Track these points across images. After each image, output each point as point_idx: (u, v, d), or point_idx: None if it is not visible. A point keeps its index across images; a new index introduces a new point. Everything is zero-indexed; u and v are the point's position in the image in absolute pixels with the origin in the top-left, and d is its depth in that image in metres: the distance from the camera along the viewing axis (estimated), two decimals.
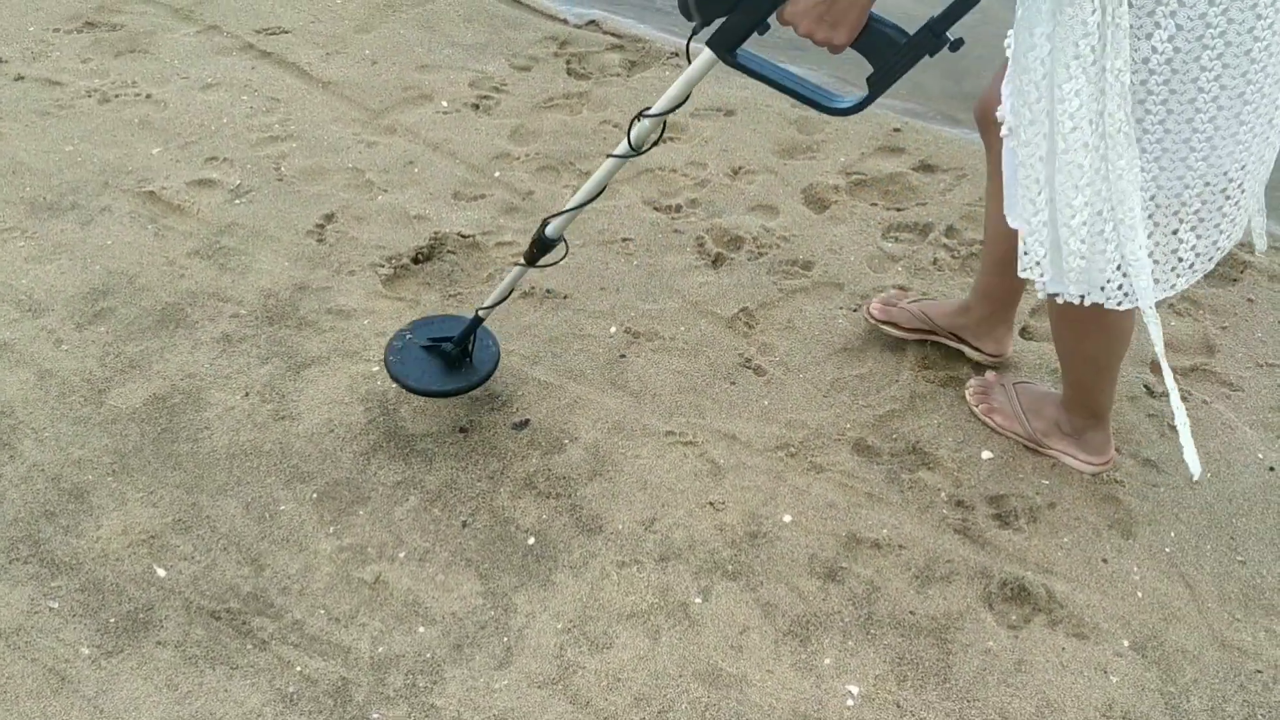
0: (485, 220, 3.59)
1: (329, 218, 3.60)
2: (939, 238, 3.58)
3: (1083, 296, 2.12)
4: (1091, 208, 1.94)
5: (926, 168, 3.86)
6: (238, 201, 3.66)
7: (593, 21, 4.68)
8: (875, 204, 3.73)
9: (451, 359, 2.79)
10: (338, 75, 4.26)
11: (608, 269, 3.43)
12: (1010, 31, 2.07)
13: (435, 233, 3.51)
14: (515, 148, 3.91)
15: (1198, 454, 2.20)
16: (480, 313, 2.77)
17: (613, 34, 4.58)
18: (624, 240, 3.54)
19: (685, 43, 2.16)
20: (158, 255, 3.45)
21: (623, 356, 3.14)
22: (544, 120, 4.04)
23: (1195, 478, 2.36)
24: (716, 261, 3.48)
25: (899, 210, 3.70)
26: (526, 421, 2.94)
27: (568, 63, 4.38)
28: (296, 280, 3.36)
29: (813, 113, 3.98)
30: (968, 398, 2.95)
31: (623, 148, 2.28)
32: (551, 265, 2.59)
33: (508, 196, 3.69)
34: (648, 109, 2.22)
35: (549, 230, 2.44)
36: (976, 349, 3.00)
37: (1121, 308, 2.11)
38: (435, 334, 2.90)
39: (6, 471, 2.78)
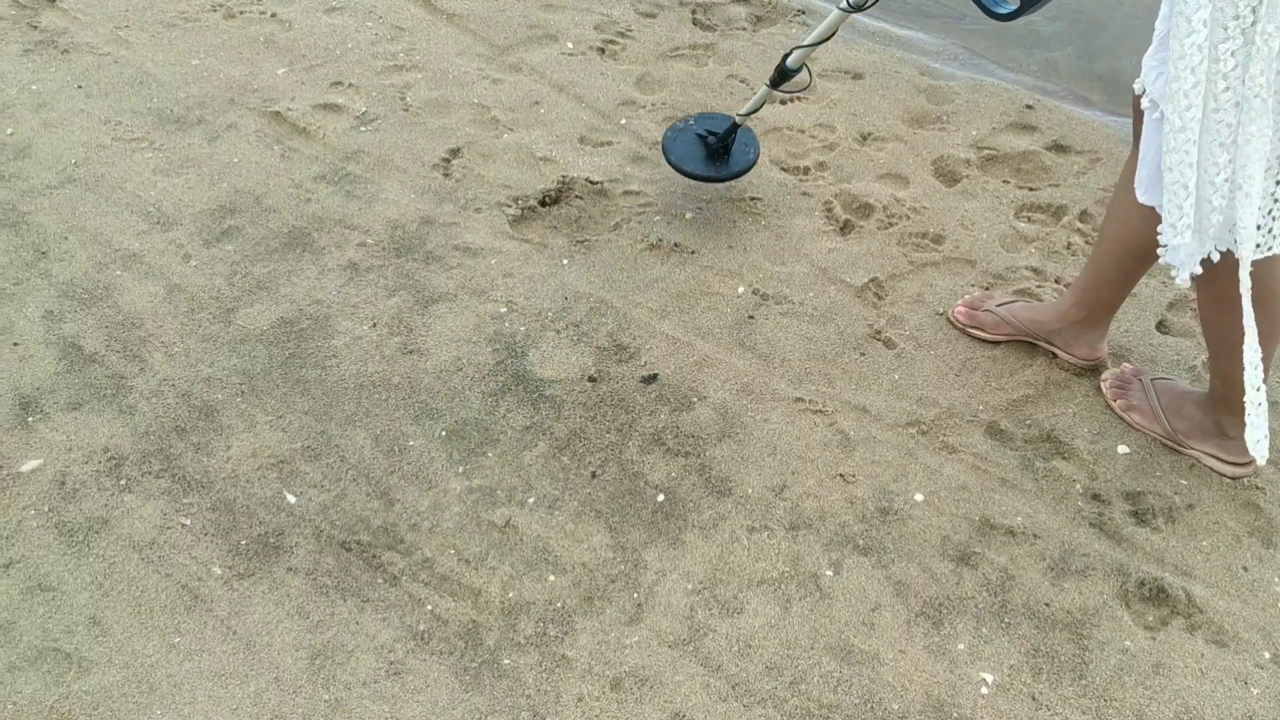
0: (612, 168, 3.53)
1: (455, 152, 3.56)
2: (1073, 221, 3.49)
3: (1225, 252, 2.10)
4: (1231, 167, 1.94)
5: (1059, 148, 3.76)
6: (363, 129, 3.62)
7: None
8: (1007, 181, 3.64)
9: (713, 150, 3.20)
10: (462, 8, 4.20)
11: (735, 227, 3.38)
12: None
13: (563, 177, 3.46)
14: (641, 95, 3.84)
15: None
16: (736, 118, 3.14)
17: None
18: (752, 199, 3.48)
19: None
20: (284, 177, 3.42)
21: (751, 318, 3.09)
22: (669, 70, 3.96)
23: (1260, 462, 2.30)
24: (845, 228, 3.41)
25: (1032, 190, 3.61)
26: (655, 376, 2.91)
27: (693, 12, 4.29)
28: (423, 213, 3.32)
29: (942, 82, 3.92)
30: (1104, 391, 2.89)
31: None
32: (794, 93, 3.13)
33: (634, 145, 3.63)
34: None
35: (790, 61, 2.84)
36: (1069, 353, 2.93)
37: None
38: (710, 128, 3.22)
39: (138, 384, 2.78)
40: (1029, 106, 3.94)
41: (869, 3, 2.59)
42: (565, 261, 3.21)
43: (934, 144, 3.75)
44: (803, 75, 2.91)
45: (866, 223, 3.43)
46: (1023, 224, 3.48)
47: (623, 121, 3.72)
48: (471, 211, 3.34)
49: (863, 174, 3.60)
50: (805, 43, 2.75)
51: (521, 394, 2.81)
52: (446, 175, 3.46)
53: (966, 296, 3.14)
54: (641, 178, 3.51)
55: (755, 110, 3.07)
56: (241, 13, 4.09)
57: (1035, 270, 3.30)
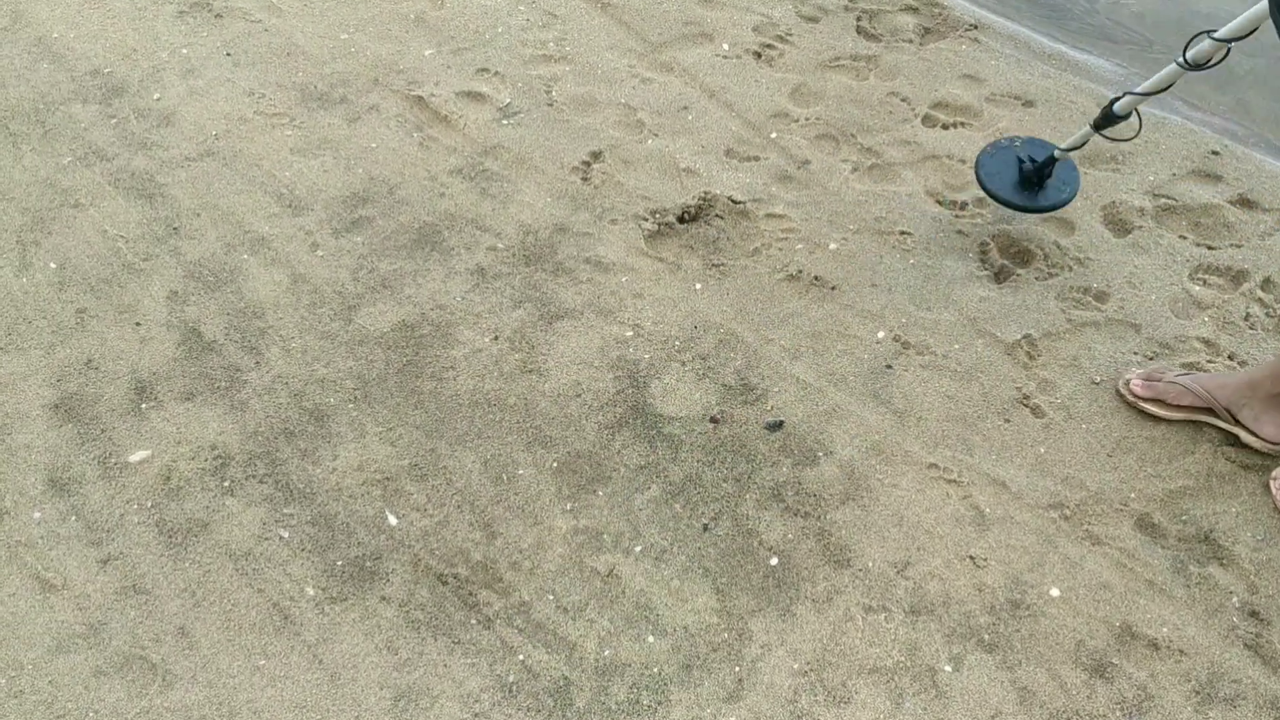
0: (757, 186, 3.35)
1: (596, 155, 3.42)
2: (1254, 289, 3.18)
3: None
4: None
5: (1246, 203, 3.43)
6: (505, 122, 3.51)
7: None
8: (1184, 236, 3.34)
9: (1026, 176, 3.07)
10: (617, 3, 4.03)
11: (881, 263, 3.17)
12: None
13: (705, 193, 3.29)
14: (795, 108, 3.63)
15: None
16: (1056, 153, 2.99)
17: None
18: (902, 233, 3.26)
19: None
20: (420, 168, 3.33)
21: (889, 367, 2.89)
22: (827, 81, 3.74)
23: None
24: (1001, 275, 3.17)
25: (1210, 249, 3.31)
26: (781, 423, 2.74)
27: (858, 19, 4.04)
28: (557, 220, 3.19)
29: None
30: (1273, 491, 2.62)
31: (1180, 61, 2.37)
32: (1119, 140, 2.86)
33: (782, 163, 3.44)
34: (1212, 30, 2.41)
35: (1118, 106, 2.65)
36: (1255, 434, 2.65)
37: None
38: (1034, 155, 3.07)
39: (252, 379, 2.72)
40: (1215, 152, 3.62)
41: (1211, 62, 2.50)
42: (698, 286, 3.05)
43: (1106, 186, 3.46)
44: (1132, 121, 2.76)
45: (1025, 270, 3.18)
46: (1197, 287, 3.19)
47: (773, 135, 3.53)
48: (607, 222, 3.20)
49: (1024, 215, 3.34)
50: (1138, 90, 2.61)
51: (639, 428, 2.68)
52: (585, 180, 3.32)
53: (1142, 370, 2.89)
54: (787, 199, 3.32)
55: (1076, 148, 2.94)
56: None
57: (1207, 343, 3.02)
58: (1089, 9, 4.19)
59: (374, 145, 3.37)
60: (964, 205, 3.37)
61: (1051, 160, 3.03)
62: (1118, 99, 2.63)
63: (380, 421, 2.64)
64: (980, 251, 3.24)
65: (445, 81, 3.61)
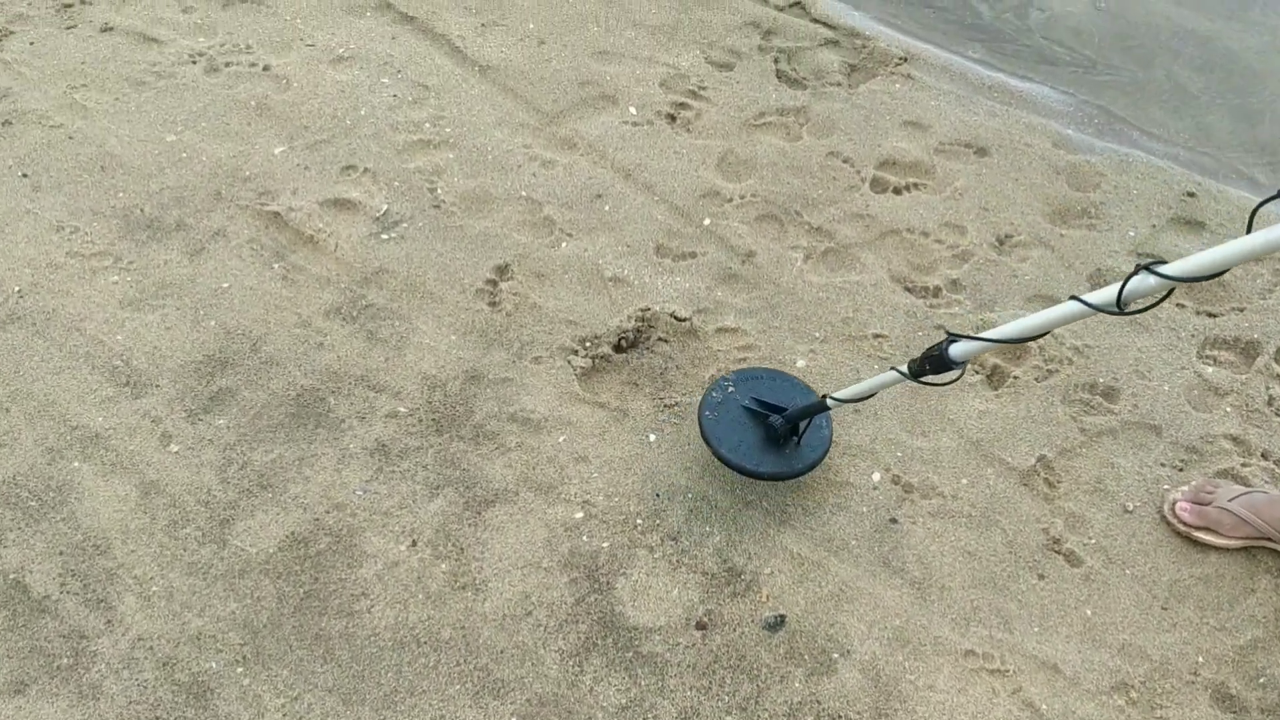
0: (700, 292, 2.79)
1: (502, 270, 2.81)
2: (1270, 364, 2.78)
3: None
4: None
5: None
6: (385, 236, 2.86)
7: (797, 3, 3.77)
8: (1182, 305, 2.92)
9: (775, 433, 2.32)
10: (499, 57, 3.40)
11: (860, 380, 2.64)
12: None
13: (642, 310, 2.72)
14: (726, 183, 3.08)
15: None
16: (829, 401, 2.17)
17: (823, 22, 3.69)
18: (876, 337, 2.75)
19: (1253, 210, 1.40)
20: (287, 310, 2.66)
21: (894, 521, 2.38)
22: (757, 144, 3.19)
23: None
24: (995, 378, 2.69)
25: (1212, 316, 2.90)
26: (782, 618, 2.21)
27: (776, 61, 3.50)
28: (468, 364, 2.58)
29: (1081, 157, 3.22)
30: None
31: (1101, 296, 1.51)
32: (938, 386, 1.94)
33: (723, 257, 2.89)
34: (1157, 263, 1.45)
35: (954, 352, 1.76)
36: None
37: None
38: (762, 395, 2.41)
39: (103, 648, 2.07)
40: (1190, 194, 3.21)
41: (1144, 307, 1.60)
42: (652, 437, 2.49)
43: (1086, 249, 3.02)
44: (956, 370, 1.81)
45: (1020, 370, 2.71)
46: (1209, 367, 2.77)
47: (706, 222, 2.97)
48: (529, 361, 2.59)
49: (1006, 295, 2.87)
50: (983, 336, 1.71)
51: (612, 652, 2.11)
52: (494, 305, 2.71)
53: (1185, 488, 2.47)
54: (737, 306, 2.76)
55: (862, 399, 2.11)
56: (228, 65, 3.28)
57: (1236, 440, 2.60)
58: (1022, 28, 3.73)
59: (226, 285, 2.69)
60: (937, 291, 2.88)
61: (820, 408, 2.24)
62: (953, 340, 1.77)
63: (280, 688, 2.01)
64: None
65: (305, 188, 2.93)
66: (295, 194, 2.94)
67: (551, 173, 3.08)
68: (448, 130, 3.17)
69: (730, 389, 2.46)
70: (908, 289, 2.91)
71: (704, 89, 3.38)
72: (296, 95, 3.21)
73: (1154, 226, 3.13)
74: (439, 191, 2.99)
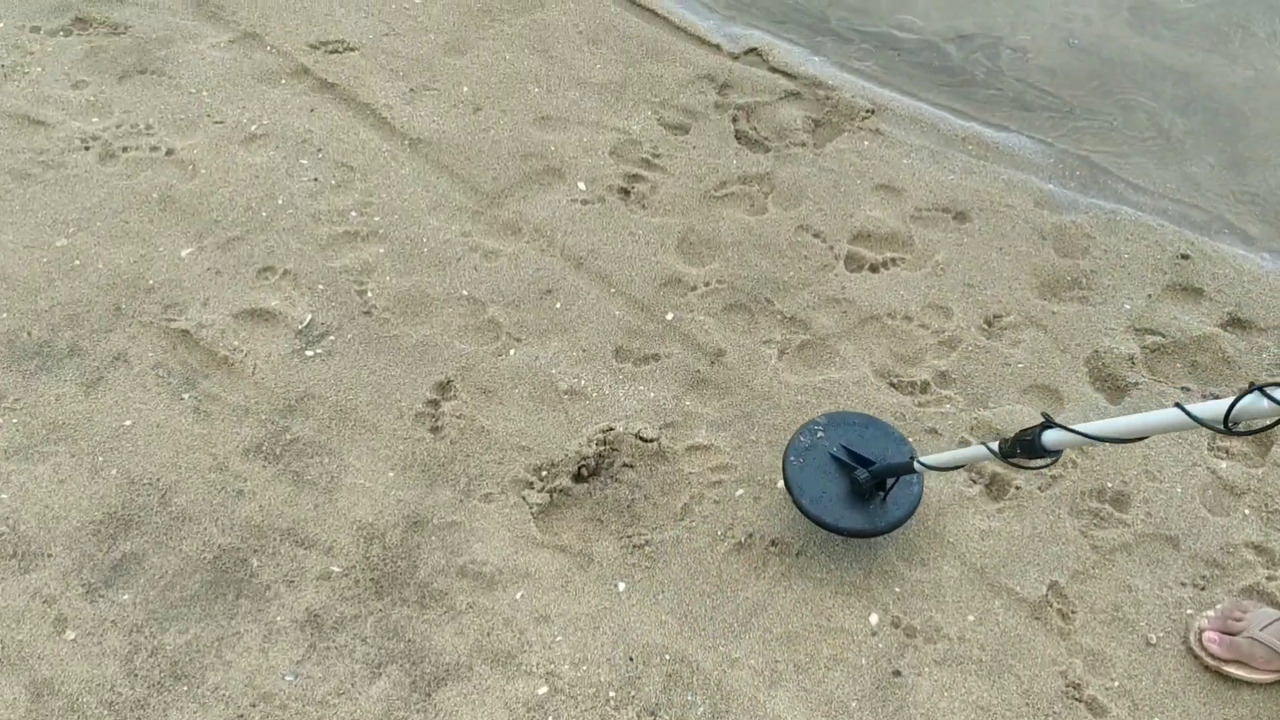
0: (666, 402, 2.50)
1: (445, 388, 2.49)
2: None
3: None
4: None
5: (1237, 323, 2.81)
6: (310, 353, 2.53)
7: (754, 50, 3.48)
8: (1187, 388, 2.67)
9: (861, 487, 2.20)
10: (430, 129, 3.06)
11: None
12: None
13: (604, 431, 2.43)
14: (688, 268, 2.78)
15: None
16: (916, 465, 2.03)
17: (783, 71, 3.39)
18: None
19: None
20: (201, 451, 2.33)
21: (897, 674, 2.12)
22: (719, 220, 2.90)
23: None
24: (995, 489, 2.43)
25: (1217, 397, 2.62)
26: None
27: (734, 120, 3.21)
28: (409, 507, 2.27)
29: (1066, 217, 3.01)
30: None
31: (1208, 411, 1.38)
32: (1024, 469, 1.76)
33: (690, 358, 2.59)
34: (1273, 385, 1.32)
35: (1047, 440, 1.64)
36: None
37: None
38: (853, 443, 2.29)
39: None
40: (1184, 256, 2.97)
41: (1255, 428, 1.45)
42: (621, 586, 2.20)
43: (1081, 327, 2.76)
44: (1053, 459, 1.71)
45: (1022, 477, 2.44)
46: (1223, 462, 2.53)
47: (669, 316, 2.67)
48: (479, 499, 2.29)
49: (1000, 388, 2.61)
50: (1078, 430, 1.59)
51: None
52: (436, 431, 2.40)
53: (1211, 614, 2.23)
54: (709, 418, 2.47)
55: (950, 469, 2.01)
56: (125, 150, 2.91)
57: (1258, 549, 2.37)
58: (993, 70, 3.46)
59: (128, 423, 2.34)
60: (925, 386, 2.61)
61: (908, 469, 2.11)
62: (1048, 426, 1.67)
63: None
64: None
65: (217, 297, 2.59)
66: (206, 305, 2.59)
67: (495, 265, 2.76)
68: (377, 219, 2.83)
69: (820, 434, 2.32)
70: (893, 385, 2.64)
71: (658, 156, 3.07)
72: (205, 183, 2.86)
73: (1150, 296, 2.88)
74: (369, 294, 2.66)
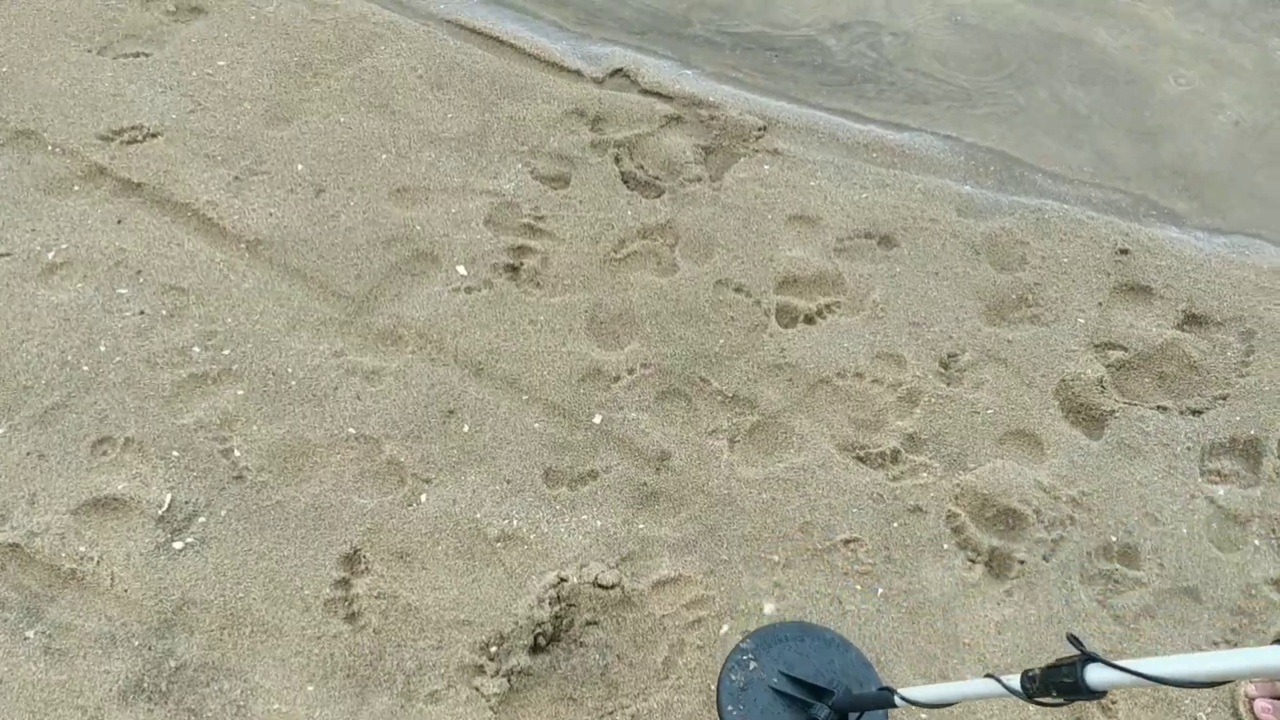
0: (617, 531, 2.13)
1: (352, 561, 2.06)
2: (1277, 464, 2.34)
3: None
4: None
5: (1195, 321, 2.61)
6: (179, 544, 2.05)
7: (620, 71, 3.08)
8: (1163, 406, 2.47)
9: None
10: (268, 224, 2.57)
11: (845, 611, 2.08)
12: None
13: (556, 587, 2.04)
14: (605, 354, 2.40)
15: None
16: (898, 700, 1.63)
17: (656, 92, 3.01)
18: (848, 544, 2.18)
19: None
20: (64, 706, 1.84)
21: None
22: (627, 288, 2.52)
23: None
24: (997, 565, 2.16)
25: (1198, 414, 2.44)
26: None
27: (617, 160, 2.81)
28: None
29: (994, 222, 2.79)
30: None
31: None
32: (1054, 706, 1.39)
33: (632, 469, 2.22)
34: None
35: (1093, 680, 1.29)
36: None
37: None
38: (793, 668, 1.90)
39: None
40: (1123, 251, 2.74)
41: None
42: None
43: (1040, 354, 2.52)
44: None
45: (1022, 548, 2.18)
46: (1219, 488, 2.33)
47: (597, 419, 2.29)
48: (423, 701, 1.89)
49: (976, 443, 2.33)
50: (1127, 668, 1.26)
51: None
52: (353, 620, 1.97)
53: (1261, 683, 2.00)
54: (669, 540, 2.12)
55: (942, 706, 1.62)
56: None
57: (1279, 584, 2.15)
58: (880, 62, 3.16)
59: None
60: (895, 455, 2.30)
61: (885, 701, 1.69)
62: (1089, 660, 1.31)
63: None
64: (954, 532, 2.20)
65: (46, 491, 2.07)
66: (34, 505, 2.06)
67: (380, 389, 2.30)
68: (226, 352, 2.33)
69: (752, 664, 1.92)
70: (861, 459, 2.32)
71: (542, 219, 2.65)
72: (2, 340, 2.29)
73: (1100, 305, 2.64)
74: (236, 453, 2.17)
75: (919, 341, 2.53)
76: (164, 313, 2.41)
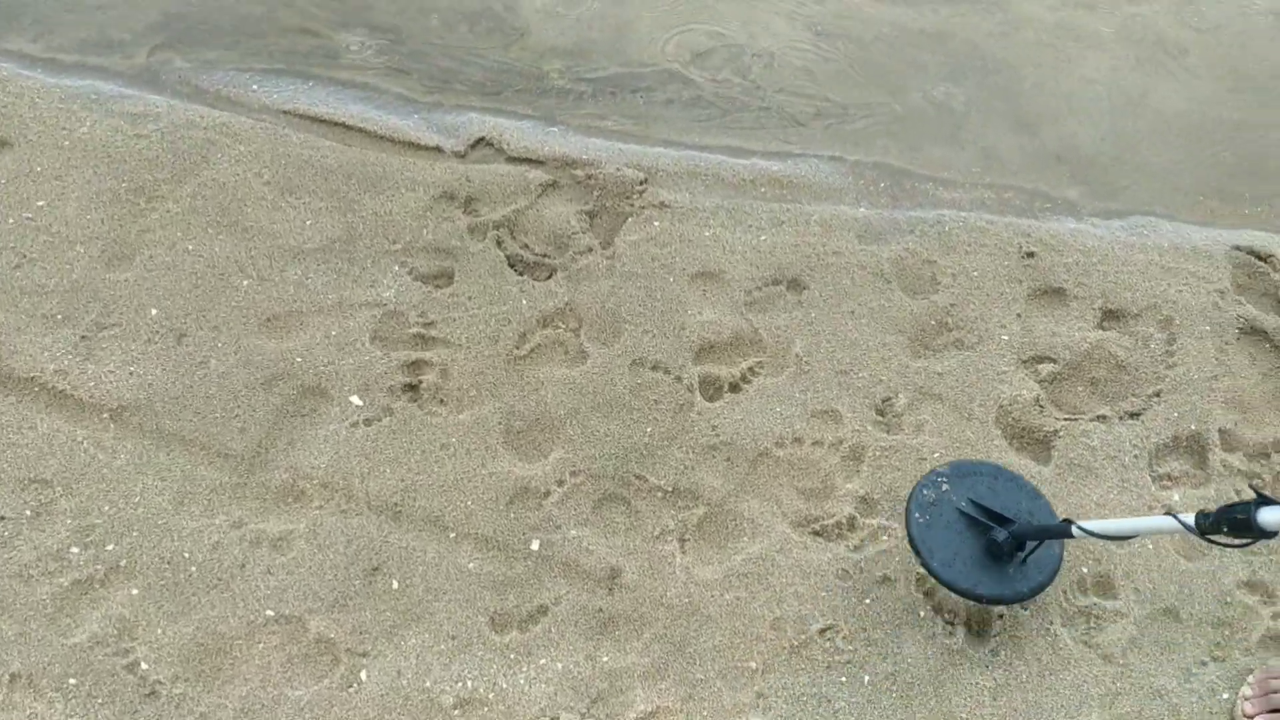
0: (580, 671, 2.01)
1: None
2: (1223, 458, 2.32)
3: None
4: None
5: (1113, 317, 2.59)
6: None
7: (482, 140, 2.88)
8: (1103, 416, 2.46)
9: (997, 547, 2.00)
10: (130, 386, 2.32)
11: (837, 712, 1.98)
12: None
13: None
14: (529, 467, 2.24)
15: None
16: (1075, 530, 1.87)
17: (526, 159, 2.83)
18: (824, 632, 2.08)
19: None
20: None
21: None
22: (539, 387, 2.36)
23: None
24: (974, 623, 2.08)
25: (1136, 417, 2.40)
26: None
27: (499, 243, 2.63)
28: None
29: (896, 245, 2.78)
30: None
31: None
32: (1225, 546, 1.63)
33: (583, 595, 2.09)
34: None
35: (1265, 520, 1.48)
36: None
37: None
38: (982, 497, 2.10)
39: None
40: (1029, 254, 2.68)
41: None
42: None
43: (973, 381, 2.45)
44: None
45: (1006, 612, 2.08)
46: (1173, 493, 2.32)
47: (535, 545, 2.13)
48: None
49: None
50: None
51: None
52: None
53: (1249, 690, 2.11)
54: (638, 668, 2.01)
55: (1118, 539, 1.94)
56: None
57: (1251, 586, 2.25)
58: (748, 88, 3.07)
59: None
60: (851, 522, 2.20)
61: (1062, 531, 1.92)
62: (1264, 502, 1.50)
63: None
64: (926, 596, 2.12)
65: None
66: None
67: (292, 557, 2.08)
68: (110, 547, 2.07)
69: (945, 487, 2.13)
70: (818, 534, 2.21)
71: (431, 325, 2.45)
72: None
73: (1019, 316, 2.58)
74: (144, 666, 1.93)
75: (850, 391, 2.41)
76: (28, 513, 2.13)
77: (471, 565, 2.13)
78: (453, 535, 2.17)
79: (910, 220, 2.77)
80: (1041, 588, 2.04)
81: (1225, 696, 2.08)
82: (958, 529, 2.07)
